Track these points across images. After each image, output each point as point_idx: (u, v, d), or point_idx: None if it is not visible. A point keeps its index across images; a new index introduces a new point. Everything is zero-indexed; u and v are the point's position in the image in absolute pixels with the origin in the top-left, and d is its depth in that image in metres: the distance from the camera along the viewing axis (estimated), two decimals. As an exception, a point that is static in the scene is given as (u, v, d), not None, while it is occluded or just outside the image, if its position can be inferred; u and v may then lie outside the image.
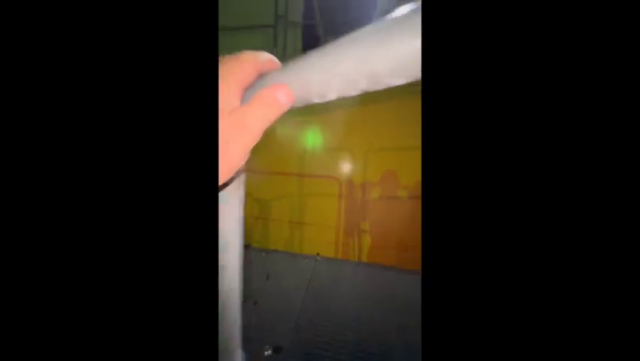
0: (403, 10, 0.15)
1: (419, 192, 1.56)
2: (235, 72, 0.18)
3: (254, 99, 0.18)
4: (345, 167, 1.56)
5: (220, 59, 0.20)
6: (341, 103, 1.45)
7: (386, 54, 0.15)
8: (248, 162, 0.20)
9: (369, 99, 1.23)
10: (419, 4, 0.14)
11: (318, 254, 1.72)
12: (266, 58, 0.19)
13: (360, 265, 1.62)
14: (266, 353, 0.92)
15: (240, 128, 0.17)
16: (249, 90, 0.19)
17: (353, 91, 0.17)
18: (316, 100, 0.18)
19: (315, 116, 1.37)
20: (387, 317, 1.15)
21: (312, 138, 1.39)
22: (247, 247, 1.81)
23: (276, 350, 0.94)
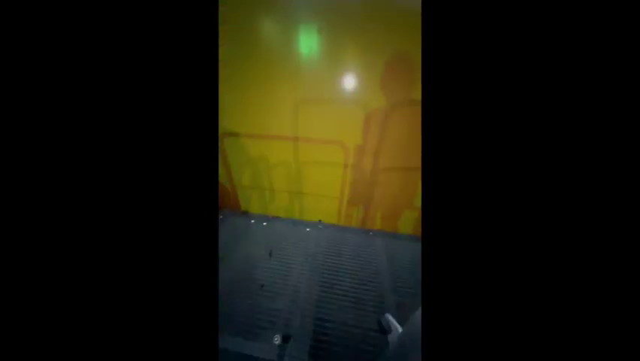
0: None
1: None
2: None
3: None
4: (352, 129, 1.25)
5: None
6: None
7: None
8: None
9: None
10: None
11: (320, 220, 1.71)
12: None
13: (363, 231, 1.61)
14: (275, 341, 0.93)
15: None
16: None
17: None
18: None
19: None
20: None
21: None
22: (245, 213, 1.80)
23: (285, 338, 0.94)
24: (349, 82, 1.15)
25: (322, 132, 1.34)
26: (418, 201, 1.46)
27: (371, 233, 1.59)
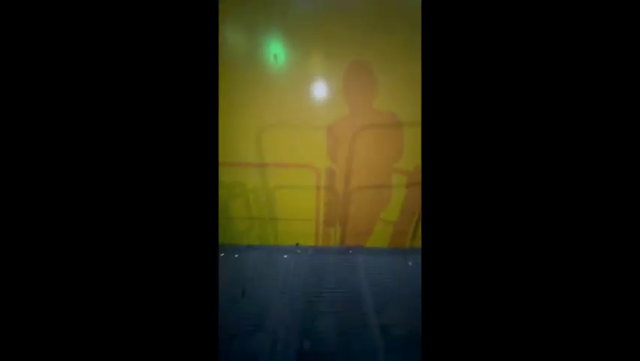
0: None
1: (419, 179, 1.41)
2: None
3: None
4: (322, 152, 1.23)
5: None
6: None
7: None
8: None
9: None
10: None
11: (297, 244, 1.63)
12: None
13: (342, 250, 1.57)
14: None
15: None
16: None
17: None
18: None
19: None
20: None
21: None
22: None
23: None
24: (313, 95, 1.15)
25: (291, 156, 1.30)
26: (390, 216, 1.49)
27: (350, 251, 1.56)
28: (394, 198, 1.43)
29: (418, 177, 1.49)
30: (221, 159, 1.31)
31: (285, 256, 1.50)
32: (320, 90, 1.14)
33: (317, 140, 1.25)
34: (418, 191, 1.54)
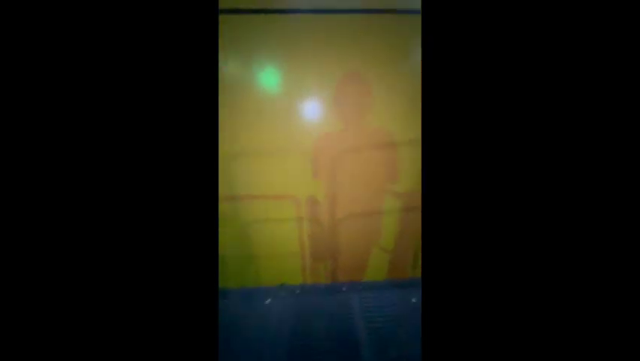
0: None
1: (416, 202, 1.32)
2: None
3: None
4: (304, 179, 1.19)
5: None
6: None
7: None
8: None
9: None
10: None
11: (281, 285, 1.39)
12: None
13: (335, 287, 1.35)
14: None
15: None
16: None
17: None
18: None
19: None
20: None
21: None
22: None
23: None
24: (294, 117, 1.10)
25: (268, 187, 1.20)
26: (386, 243, 1.34)
27: (344, 288, 1.34)
28: (389, 224, 1.31)
29: (414, 201, 1.40)
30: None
31: (267, 301, 1.27)
32: (301, 112, 1.11)
33: (295, 167, 1.18)
34: (415, 215, 1.43)
